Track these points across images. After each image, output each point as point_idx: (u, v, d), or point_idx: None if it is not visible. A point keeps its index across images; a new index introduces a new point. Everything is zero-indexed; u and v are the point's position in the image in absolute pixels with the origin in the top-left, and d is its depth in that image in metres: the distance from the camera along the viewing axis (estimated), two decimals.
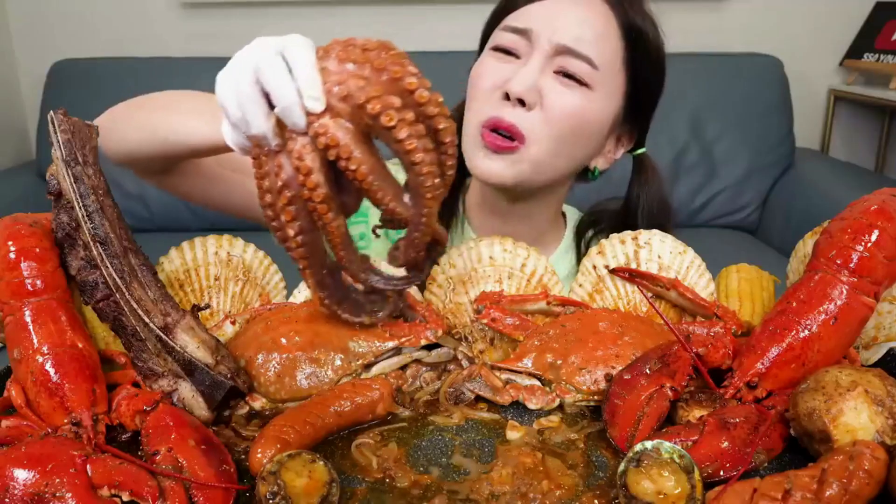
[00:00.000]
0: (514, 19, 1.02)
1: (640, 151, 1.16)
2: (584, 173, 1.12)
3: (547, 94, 0.97)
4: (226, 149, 0.82)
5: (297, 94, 0.63)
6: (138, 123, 0.97)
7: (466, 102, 1.05)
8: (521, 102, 0.96)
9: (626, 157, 1.16)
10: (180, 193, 1.09)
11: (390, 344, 0.79)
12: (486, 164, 0.98)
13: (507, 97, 0.97)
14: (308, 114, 0.64)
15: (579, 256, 1.17)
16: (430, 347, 0.81)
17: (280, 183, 0.67)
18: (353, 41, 0.64)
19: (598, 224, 1.20)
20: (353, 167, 0.64)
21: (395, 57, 0.63)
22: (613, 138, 1.11)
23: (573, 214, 1.24)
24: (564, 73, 0.98)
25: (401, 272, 0.78)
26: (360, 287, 0.78)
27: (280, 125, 0.65)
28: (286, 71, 0.64)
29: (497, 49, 1.02)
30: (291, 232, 0.69)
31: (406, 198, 0.70)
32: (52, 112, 0.73)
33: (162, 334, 0.71)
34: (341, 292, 0.77)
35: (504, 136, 0.97)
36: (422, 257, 0.76)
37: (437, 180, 0.67)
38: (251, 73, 0.66)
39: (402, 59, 0.63)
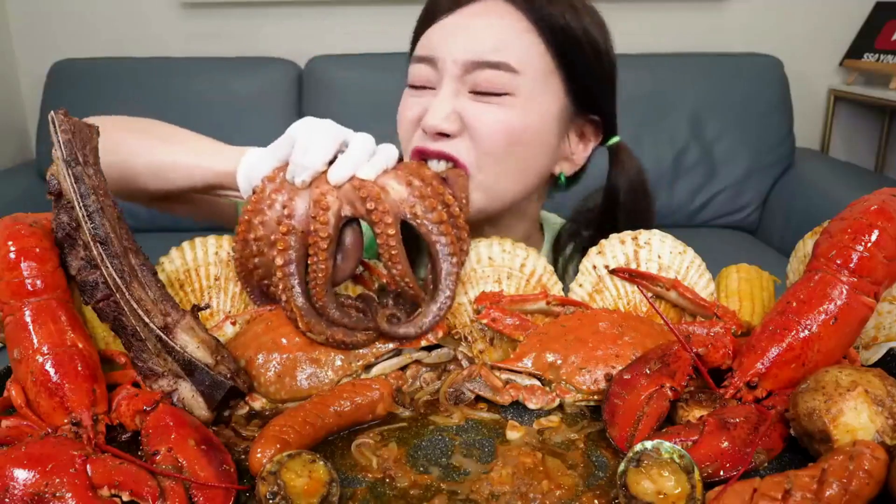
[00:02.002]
0: (419, 48, 0.97)
1: (612, 141, 1.07)
2: (554, 183, 1.06)
3: (467, 117, 0.92)
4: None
5: (363, 161, 0.75)
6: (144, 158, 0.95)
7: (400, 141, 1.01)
8: (443, 135, 0.92)
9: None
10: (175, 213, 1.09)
11: (390, 345, 0.79)
12: None
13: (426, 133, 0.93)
14: (353, 178, 0.75)
15: (556, 267, 1.10)
16: (430, 348, 0.81)
17: (286, 213, 0.74)
18: (409, 164, 0.81)
19: (576, 236, 1.13)
20: (388, 220, 0.74)
21: (437, 178, 0.81)
22: (573, 137, 1.03)
23: (553, 222, 1.18)
24: (478, 91, 0.93)
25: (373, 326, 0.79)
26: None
27: (319, 177, 0.75)
28: (371, 151, 0.77)
29: (411, 84, 0.98)
30: (281, 261, 0.74)
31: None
32: (52, 112, 0.73)
33: (162, 334, 0.71)
34: (315, 317, 0.77)
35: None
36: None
37: (458, 271, 0.79)
38: (344, 134, 0.78)
39: (440, 181, 0.81)
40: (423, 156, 0.94)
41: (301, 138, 0.76)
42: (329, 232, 0.74)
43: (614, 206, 1.07)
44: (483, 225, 1.02)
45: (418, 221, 0.75)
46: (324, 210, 0.73)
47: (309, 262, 0.75)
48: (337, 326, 0.77)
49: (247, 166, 0.85)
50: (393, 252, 0.75)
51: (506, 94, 0.93)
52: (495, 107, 0.93)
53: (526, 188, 1.00)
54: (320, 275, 0.75)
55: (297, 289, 0.75)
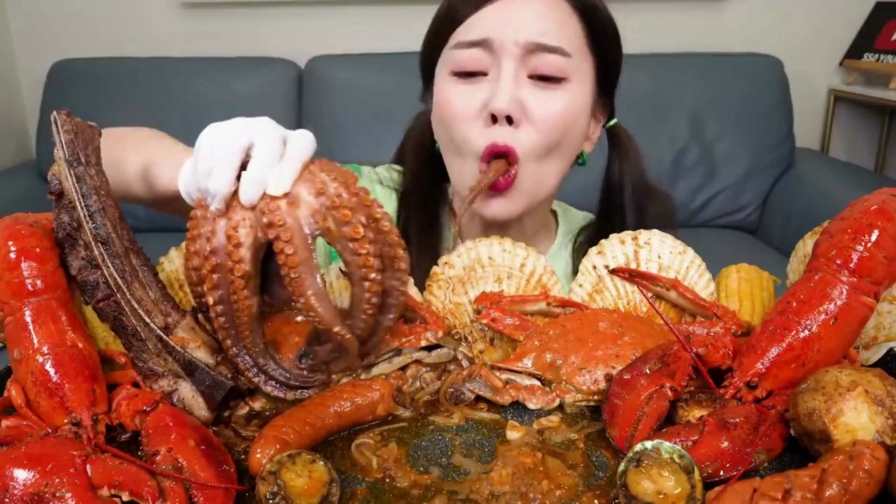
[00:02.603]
0: (465, 33, 0.95)
1: (612, 122, 1.10)
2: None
3: (529, 105, 0.93)
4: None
5: (271, 167, 0.65)
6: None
7: (441, 135, 1.00)
8: (509, 119, 0.92)
9: None
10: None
11: (391, 345, 0.79)
12: (490, 207, 0.96)
13: (492, 119, 0.92)
14: (265, 194, 0.65)
15: (574, 253, 1.15)
16: (430, 348, 0.81)
17: (209, 249, 0.67)
18: (332, 163, 0.69)
19: (589, 227, 1.17)
20: (288, 251, 0.65)
21: (364, 189, 0.67)
22: (593, 119, 1.07)
23: (564, 211, 1.22)
24: (539, 76, 0.93)
25: (300, 372, 0.76)
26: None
27: (233, 195, 0.66)
28: (279, 153, 0.66)
29: (457, 72, 0.96)
30: (212, 300, 0.69)
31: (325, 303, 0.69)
32: (55, 112, 0.73)
33: (163, 334, 0.71)
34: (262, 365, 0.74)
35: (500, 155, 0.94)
36: (333, 361, 0.75)
37: (375, 300, 0.70)
38: (246, 138, 0.67)
39: (368, 192, 0.68)
40: (495, 153, 0.93)
41: (202, 161, 0.67)
42: (245, 269, 0.67)
43: (619, 190, 1.09)
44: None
45: (332, 237, 0.67)
46: (236, 247, 0.66)
47: (231, 300, 0.69)
48: (268, 377, 0.73)
49: (182, 179, 0.78)
50: (296, 284, 0.67)
51: (563, 78, 0.94)
52: (554, 93, 0.94)
53: (564, 171, 1.03)
54: (244, 312, 0.69)
55: (230, 331, 0.70)
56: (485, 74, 0.95)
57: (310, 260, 0.67)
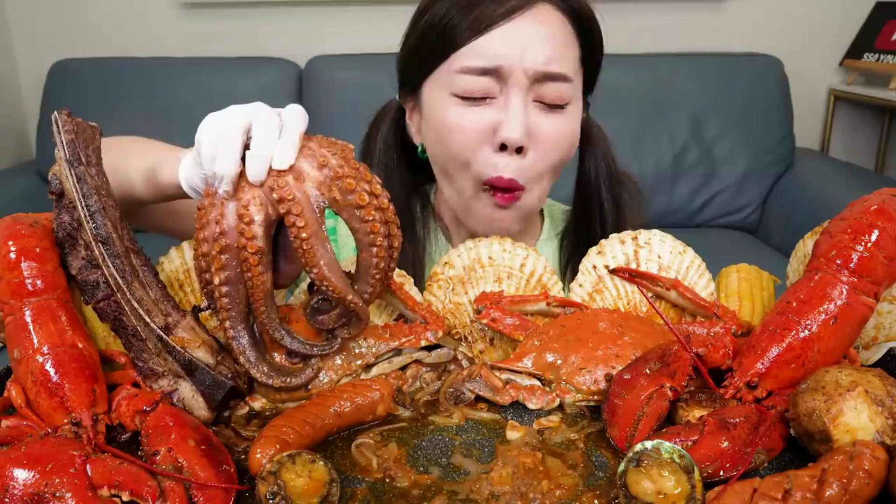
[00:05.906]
0: (473, 58, 0.93)
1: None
2: None
3: (536, 130, 0.93)
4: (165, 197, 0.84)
5: (273, 144, 0.68)
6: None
7: (438, 152, 0.99)
8: (518, 149, 0.93)
9: None
10: (151, 228, 1.02)
11: (391, 345, 0.79)
12: (494, 221, 0.97)
13: (502, 147, 0.92)
14: (271, 170, 0.67)
15: (561, 248, 1.15)
16: (430, 348, 0.81)
17: (218, 230, 0.69)
18: (328, 139, 0.72)
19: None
20: (300, 224, 0.68)
21: (363, 165, 0.70)
22: None
23: (549, 206, 1.22)
24: (543, 103, 0.93)
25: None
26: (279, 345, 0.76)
27: (240, 176, 0.69)
28: (278, 129, 0.69)
29: (464, 96, 0.94)
30: (217, 280, 0.70)
31: (338, 272, 0.71)
32: (56, 112, 0.73)
33: (163, 334, 0.71)
34: (257, 352, 0.74)
35: (505, 189, 0.95)
36: (342, 327, 0.76)
37: (383, 265, 0.72)
38: (244, 120, 0.69)
39: (367, 167, 0.71)
40: (495, 185, 0.94)
41: (205, 147, 0.69)
42: (258, 245, 0.68)
43: (594, 184, 1.09)
44: None
45: (339, 206, 0.69)
46: (248, 224, 0.68)
47: (246, 277, 0.70)
48: (261, 364, 0.73)
49: (183, 172, 0.80)
50: (308, 255, 0.69)
51: (566, 104, 0.95)
52: (559, 117, 0.95)
53: (555, 181, 1.03)
54: (259, 288, 0.70)
55: (231, 312, 0.71)
56: (492, 98, 0.94)
57: (320, 231, 0.69)
